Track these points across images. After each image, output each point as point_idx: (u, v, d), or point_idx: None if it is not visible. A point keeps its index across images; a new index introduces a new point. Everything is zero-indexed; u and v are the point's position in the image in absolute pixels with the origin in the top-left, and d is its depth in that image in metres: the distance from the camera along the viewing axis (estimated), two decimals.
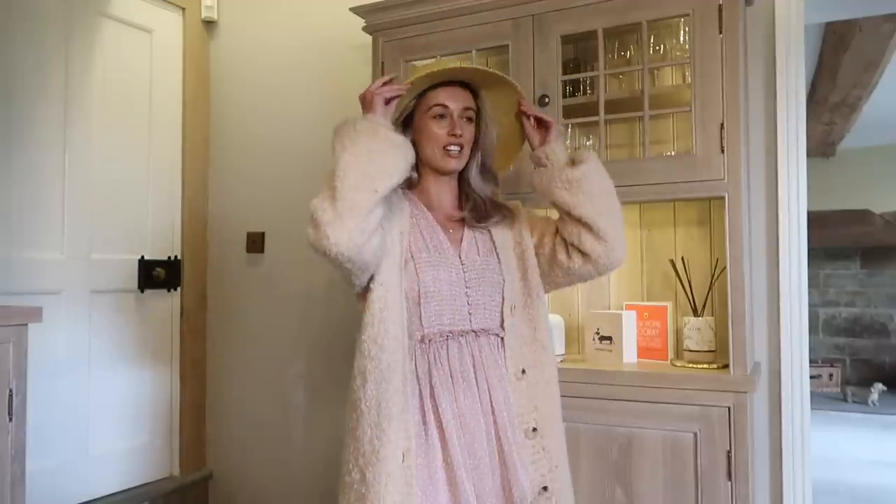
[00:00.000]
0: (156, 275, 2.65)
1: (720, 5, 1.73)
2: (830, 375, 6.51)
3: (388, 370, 1.34)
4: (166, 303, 2.72)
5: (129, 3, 2.59)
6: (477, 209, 1.53)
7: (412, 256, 1.42)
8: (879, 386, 6.09)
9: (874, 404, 5.94)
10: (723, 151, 1.71)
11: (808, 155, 2.04)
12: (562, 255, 1.49)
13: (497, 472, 1.39)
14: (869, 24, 3.51)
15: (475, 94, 1.51)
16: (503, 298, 1.48)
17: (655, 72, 2.04)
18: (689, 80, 1.81)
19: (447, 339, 1.41)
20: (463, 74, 1.49)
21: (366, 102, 1.41)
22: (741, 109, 1.76)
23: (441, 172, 1.51)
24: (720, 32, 1.73)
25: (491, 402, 1.41)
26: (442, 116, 1.46)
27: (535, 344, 1.48)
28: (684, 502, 1.67)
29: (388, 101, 1.42)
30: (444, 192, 1.54)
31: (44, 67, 2.30)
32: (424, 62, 2.16)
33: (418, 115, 1.49)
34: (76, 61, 2.40)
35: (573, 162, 1.48)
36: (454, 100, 1.47)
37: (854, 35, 3.66)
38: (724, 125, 1.71)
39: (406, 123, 1.51)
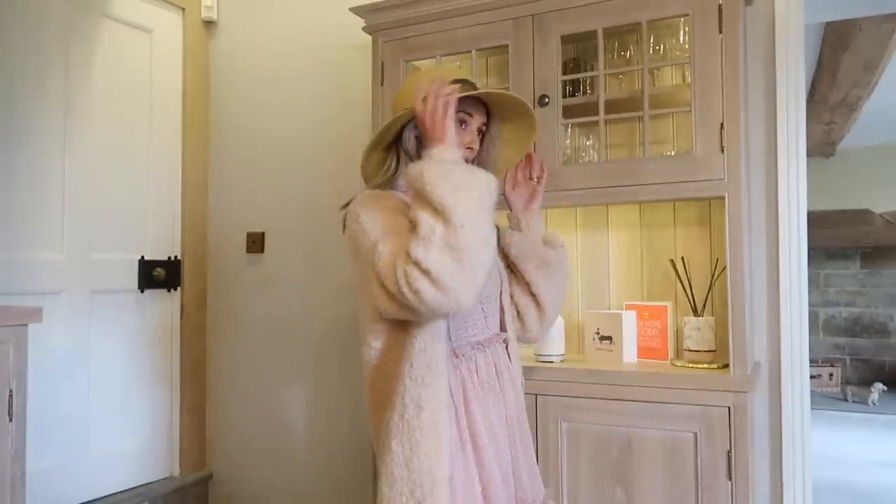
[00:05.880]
0: (156, 275, 2.65)
1: (720, 5, 1.73)
2: (830, 375, 6.51)
3: (444, 394, 1.26)
4: (166, 303, 2.72)
5: (129, 3, 2.60)
6: None
7: None
8: (879, 386, 6.09)
9: (874, 404, 5.94)
10: (723, 151, 1.71)
11: (808, 155, 2.05)
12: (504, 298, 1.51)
13: (510, 480, 1.38)
14: (869, 24, 3.51)
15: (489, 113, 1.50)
16: (501, 302, 1.49)
17: (655, 72, 2.04)
18: (689, 79, 1.81)
19: (475, 351, 1.37)
20: (507, 100, 1.47)
21: (436, 125, 1.26)
22: (741, 109, 1.76)
23: None
24: (720, 32, 1.73)
25: (506, 410, 1.41)
26: (463, 124, 1.43)
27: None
28: (684, 502, 1.67)
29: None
30: None
31: (44, 68, 2.30)
32: (424, 62, 2.16)
33: None
34: (76, 62, 2.40)
35: (545, 241, 1.56)
36: (477, 112, 1.45)
37: (854, 35, 3.66)
38: (724, 125, 1.71)
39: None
